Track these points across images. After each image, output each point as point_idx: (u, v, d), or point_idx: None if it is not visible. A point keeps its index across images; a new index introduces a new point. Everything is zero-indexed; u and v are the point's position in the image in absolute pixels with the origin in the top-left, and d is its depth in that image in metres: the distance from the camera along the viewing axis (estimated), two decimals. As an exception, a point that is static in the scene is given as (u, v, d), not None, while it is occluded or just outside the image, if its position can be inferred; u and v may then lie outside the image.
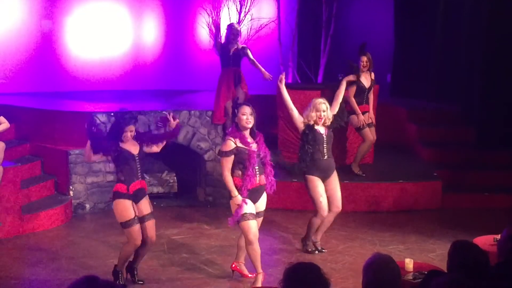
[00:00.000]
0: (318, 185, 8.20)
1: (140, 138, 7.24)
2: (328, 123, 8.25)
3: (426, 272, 5.43)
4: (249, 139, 7.12)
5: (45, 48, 12.91)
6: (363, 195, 10.32)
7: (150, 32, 13.79)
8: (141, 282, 7.42)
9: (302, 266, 3.93)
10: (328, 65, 13.61)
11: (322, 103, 8.22)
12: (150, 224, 7.24)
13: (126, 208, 7.03)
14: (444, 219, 9.92)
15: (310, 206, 8.70)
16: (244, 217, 7.06)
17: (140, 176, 7.14)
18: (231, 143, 7.05)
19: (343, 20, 14.20)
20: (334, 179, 8.32)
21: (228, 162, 7.05)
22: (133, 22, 13.64)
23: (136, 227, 7.06)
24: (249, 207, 7.08)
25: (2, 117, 8.79)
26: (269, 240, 8.96)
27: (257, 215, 7.23)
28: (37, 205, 9.56)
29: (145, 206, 7.21)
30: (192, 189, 11.06)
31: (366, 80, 10.35)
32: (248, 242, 7.13)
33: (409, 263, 6.48)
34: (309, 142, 8.15)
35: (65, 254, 8.40)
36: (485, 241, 7.00)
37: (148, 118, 10.36)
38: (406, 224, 9.69)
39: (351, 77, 10.13)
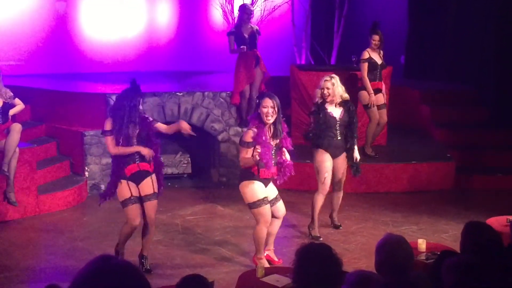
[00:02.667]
0: (326, 160, 8.17)
1: (144, 123, 7.03)
2: (339, 101, 8.11)
3: (439, 253, 5.46)
4: (269, 133, 6.95)
5: (59, 30, 12.95)
6: (376, 176, 10.33)
7: (164, 13, 13.80)
8: (150, 271, 7.22)
9: (314, 246, 3.97)
10: (341, 46, 13.58)
11: (326, 80, 8.11)
12: (149, 205, 7.08)
13: (121, 188, 6.97)
14: (457, 200, 9.94)
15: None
16: (262, 202, 7.02)
17: (138, 159, 6.97)
18: (251, 134, 6.89)
19: (357, 1, 14.15)
20: (343, 160, 8.30)
21: (247, 152, 6.92)
22: (147, 3, 13.65)
23: (133, 207, 6.98)
24: (263, 191, 7.04)
25: (17, 99, 8.87)
26: (283, 220, 8.98)
27: (276, 199, 7.22)
28: (53, 186, 9.64)
29: (147, 186, 7.05)
30: (206, 170, 11.11)
31: (378, 57, 10.36)
32: (261, 226, 7.09)
33: (422, 244, 6.51)
34: (320, 124, 8.08)
35: (80, 234, 8.48)
36: (498, 222, 7.02)
37: (161, 99, 10.40)
38: (419, 205, 9.71)
39: (366, 54, 10.20)
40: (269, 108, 6.85)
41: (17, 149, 8.69)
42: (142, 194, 7.06)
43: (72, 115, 10.53)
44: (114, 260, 2.35)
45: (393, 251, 4.04)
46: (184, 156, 10.97)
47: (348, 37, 13.54)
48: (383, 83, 10.51)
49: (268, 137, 6.94)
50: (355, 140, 8.29)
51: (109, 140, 6.93)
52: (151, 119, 7.26)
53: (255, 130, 6.91)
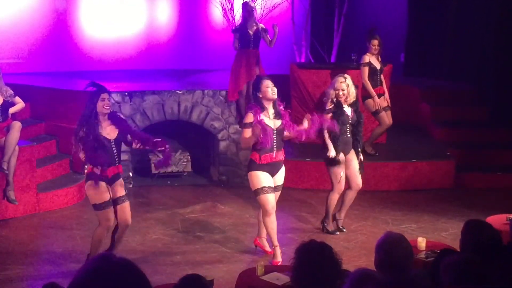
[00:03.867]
0: (340, 159, 8.26)
1: (122, 125, 6.97)
2: (352, 100, 8.23)
3: (438, 251, 5.47)
4: (271, 114, 7.20)
5: (59, 28, 12.95)
6: (376, 175, 10.33)
7: (163, 11, 13.79)
8: None
9: (313, 245, 3.96)
10: (341, 44, 13.58)
11: (341, 81, 8.22)
12: (125, 206, 7.05)
13: (100, 191, 6.88)
14: (457, 198, 9.94)
15: (326, 185, 8.72)
16: (263, 190, 7.19)
17: (117, 161, 6.94)
18: (251, 116, 7.15)
19: (357, -1, 14.15)
20: (353, 156, 8.37)
21: (246, 132, 7.17)
22: (147, 1, 13.65)
23: (110, 209, 6.93)
24: (267, 181, 7.20)
25: (17, 97, 8.86)
26: (284, 218, 9.00)
27: (275, 188, 7.35)
28: (53, 184, 9.64)
29: (120, 188, 7.02)
30: (205, 168, 11.11)
31: (377, 62, 10.35)
32: (265, 213, 7.27)
33: (421, 242, 6.52)
34: (338, 122, 8.12)
35: (81, 233, 8.48)
36: (498, 220, 7.03)
37: (161, 97, 10.41)
38: (419, 203, 9.71)
39: (366, 58, 10.19)
40: (272, 87, 7.17)
41: (17, 147, 8.69)
42: (115, 196, 7.00)
43: (72, 113, 10.48)
44: (114, 258, 2.35)
45: (393, 249, 4.04)
46: (184, 154, 10.97)
47: (348, 36, 13.54)
48: (384, 87, 10.48)
49: (270, 119, 7.19)
50: (360, 140, 8.44)
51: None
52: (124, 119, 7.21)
53: (253, 112, 7.16)
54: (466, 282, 3.79)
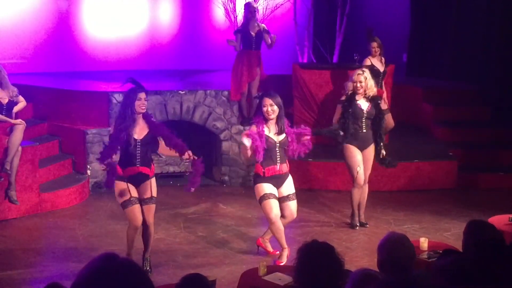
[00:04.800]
0: (356, 154, 8.32)
1: (158, 128, 6.98)
2: (371, 94, 8.27)
3: (441, 251, 5.47)
4: (272, 130, 7.20)
5: (62, 28, 12.96)
6: (379, 175, 10.32)
7: (166, 12, 13.80)
8: (149, 272, 7.12)
9: (315, 245, 3.96)
10: (343, 44, 13.58)
11: (358, 73, 8.28)
12: (147, 209, 7.02)
13: (121, 189, 6.88)
14: (459, 199, 9.93)
15: (329, 185, 8.75)
16: (265, 196, 7.18)
17: (139, 162, 6.84)
18: (254, 127, 7.18)
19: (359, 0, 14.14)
20: (371, 152, 8.42)
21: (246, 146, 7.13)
22: (150, 2, 13.66)
23: (134, 207, 6.90)
24: (269, 189, 7.21)
25: (20, 96, 8.90)
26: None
27: (288, 198, 7.37)
28: (55, 184, 9.65)
29: (145, 190, 6.97)
30: (208, 168, 11.09)
31: (379, 64, 10.34)
32: (270, 222, 7.26)
33: (424, 242, 6.51)
34: (348, 116, 8.22)
35: (83, 233, 8.49)
36: (500, 220, 7.02)
37: (164, 97, 10.41)
38: (421, 204, 9.71)
39: (367, 61, 10.19)
40: (268, 106, 7.15)
41: (20, 148, 8.70)
42: (140, 197, 6.99)
43: (74, 114, 10.54)
44: (117, 258, 2.35)
45: (395, 249, 4.04)
46: (186, 155, 10.95)
47: (350, 36, 13.54)
48: (384, 90, 10.47)
49: (273, 133, 7.20)
50: (382, 136, 8.49)
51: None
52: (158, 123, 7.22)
53: (257, 123, 7.21)
54: (459, 284, 3.79)
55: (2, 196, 8.75)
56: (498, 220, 6.89)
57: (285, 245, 7.37)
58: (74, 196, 9.63)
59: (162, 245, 8.02)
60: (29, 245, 8.11)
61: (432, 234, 8.27)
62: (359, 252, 7.90)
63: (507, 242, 4.71)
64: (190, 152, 6.92)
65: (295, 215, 7.50)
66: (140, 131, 6.86)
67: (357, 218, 8.66)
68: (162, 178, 10.62)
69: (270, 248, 7.74)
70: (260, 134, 7.11)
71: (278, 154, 7.22)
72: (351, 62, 11.05)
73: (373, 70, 10.24)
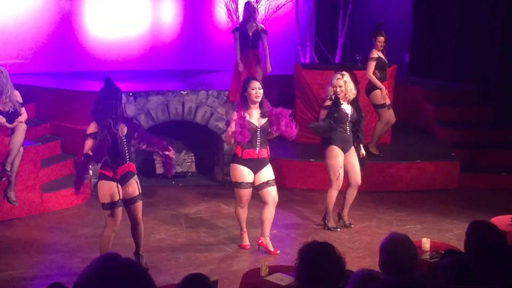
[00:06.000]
0: (339, 155, 8.34)
1: (130, 123, 7.06)
2: (352, 97, 8.30)
3: (443, 252, 5.47)
4: (256, 114, 7.43)
5: (64, 28, 12.95)
6: (381, 175, 10.33)
7: (168, 12, 13.79)
8: (147, 269, 6.96)
9: (316, 245, 3.96)
10: (346, 44, 13.57)
11: (338, 78, 8.29)
12: (137, 207, 7.05)
13: (111, 190, 6.83)
14: (462, 199, 9.92)
15: (329, 185, 8.70)
16: (241, 185, 7.54)
17: (128, 159, 6.91)
18: (234, 114, 7.46)
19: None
20: (353, 153, 8.45)
21: (229, 129, 7.45)
22: (152, 2, 13.65)
23: (120, 209, 6.87)
24: (247, 177, 7.52)
25: (23, 108, 8.84)
26: (287, 218, 9.02)
27: (268, 184, 7.59)
28: (57, 184, 9.65)
29: (133, 188, 6.98)
30: (210, 168, 11.11)
31: (384, 57, 10.37)
32: (238, 205, 7.74)
33: (426, 243, 6.51)
34: (334, 119, 8.24)
35: (85, 233, 8.49)
36: (503, 221, 7.02)
37: (166, 98, 10.41)
38: (423, 204, 9.70)
39: (374, 53, 10.20)
40: (257, 90, 7.37)
41: (21, 149, 8.69)
42: (128, 197, 6.97)
43: (76, 114, 10.52)
44: (119, 259, 2.36)
45: (397, 250, 4.05)
46: (188, 155, 10.97)
47: (352, 36, 13.53)
48: (387, 83, 10.52)
49: (255, 117, 7.44)
50: (362, 137, 8.56)
51: (89, 143, 6.84)
52: (136, 122, 7.31)
53: (238, 109, 7.49)
54: (461, 285, 3.79)
55: (3, 196, 8.74)
56: (500, 221, 6.89)
57: (244, 229, 7.85)
58: (76, 196, 9.60)
59: (164, 245, 8.03)
60: (31, 245, 8.11)
61: (434, 235, 8.27)
62: (361, 252, 7.90)
63: (509, 243, 4.71)
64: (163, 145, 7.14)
65: (276, 199, 7.72)
66: (122, 128, 6.92)
67: (332, 221, 8.60)
68: (163, 178, 10.61)
69: (271, 247, 7.77)
70: (242, 119, 7.34)
71: (259, 138, 7.47)
72: (353, 63, 11.06)
73: (380, 61, 10.27)
